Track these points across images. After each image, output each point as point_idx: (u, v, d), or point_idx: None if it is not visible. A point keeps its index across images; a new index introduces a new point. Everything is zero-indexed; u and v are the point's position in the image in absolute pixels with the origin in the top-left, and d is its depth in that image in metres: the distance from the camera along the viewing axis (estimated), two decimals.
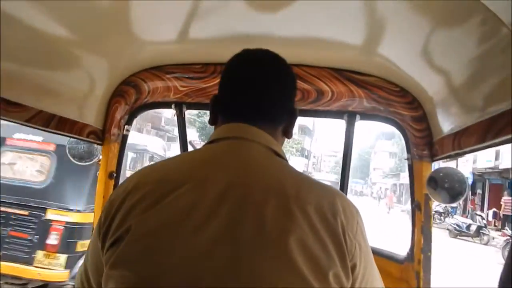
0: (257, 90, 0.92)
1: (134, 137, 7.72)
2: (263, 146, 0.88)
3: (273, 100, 0.94)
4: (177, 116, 1.93)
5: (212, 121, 0.98)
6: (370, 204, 38.75)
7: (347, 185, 1.95)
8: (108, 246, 0.80)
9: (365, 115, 1.81)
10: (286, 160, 0.92)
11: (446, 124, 1.47)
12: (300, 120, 0.93)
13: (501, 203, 17.90)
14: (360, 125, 1.88)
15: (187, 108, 1.89)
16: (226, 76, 0.98)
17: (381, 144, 69.75)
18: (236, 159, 0.84)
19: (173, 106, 1.87)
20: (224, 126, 0.92)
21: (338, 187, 1.88)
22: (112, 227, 0.80)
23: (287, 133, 0.98)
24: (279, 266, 0.72)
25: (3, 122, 1.33)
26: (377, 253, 1.93)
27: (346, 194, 1.93)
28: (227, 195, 0.77)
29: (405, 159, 1.80)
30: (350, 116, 1.82)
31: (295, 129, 1.06)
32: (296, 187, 0.81)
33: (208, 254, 0.73)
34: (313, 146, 60.36)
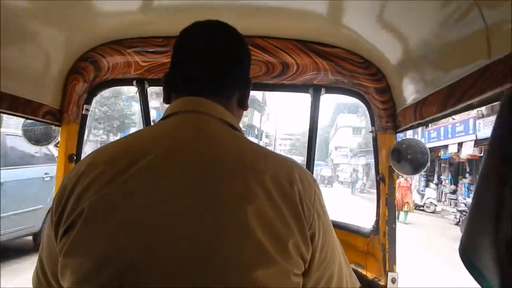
0: (208, 62, 0.90)
1: None
2: (217, 119, 0.86)
3: (225, 72, 0.92)
4: (139, 94, 1.86)
5: (166, 99, 0.95)
6: (346, 196, 27.43)
7: (313, 165, 1.97)
8: (62, 234, 0.77)
9: (330, 88, 1.81)
10: (242, 133, 0.91)
11: (408, 95, 1.50)
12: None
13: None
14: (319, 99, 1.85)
15: (150, 85, 1.82)
16: (175, 50, 0.95)
17: (343, 119, 59.72)
18: (190, 133, 0.83)
19: (134, 83, 1.80)
20: (178, 101, 0.89)
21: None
22: (65, 213, 0.77)
23: (243, 105, 0.96)
24: (238, 237, 0.71)
25: None
26: (343, 227, 1.97)
27: (312, 173, 1.94)
28: (180, 169, 0.76)
29: (369, 132, 1.83)
30: (316, 90, 1.82)
31: None
32: (252, 158, 0.80)
33: (164, 228, 0.71)
34: (265, 124, 54.28)
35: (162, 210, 0.73)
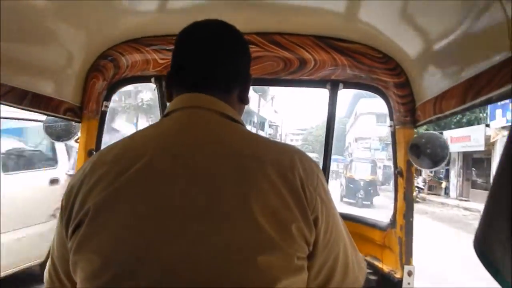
0: (206, 58, 0.92)
1: None
2: (217, 113, 0.87)
3: (224, 67, 0.93)
4: (157, 90, 1.88)
5: (169, 98, 0.97)
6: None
7: (330, 161, 1.96)
8: (71, 233, 0.79)
9: (348, 83, 1.81)
10: (243, 125, 0.92)
11: (428, 89, 1.49)
12: None
13: None
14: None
15: None
16: (175, 50, 0.97)
17: (364, 105, 46.09)
18: (191, 128, 0.84)
19: (152, 80, 1.82)
20: (178, 98, 0.91)
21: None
22: (73, 212, 0.80)
23: (243, 99, 0.98)
24: (241, 225, 0.73)
25: None
26: (360, 221, 1.98)
27: (329, 170, 1.95)
28: (183, 164, 0.78)
29: (388, 126, 1.82)
30: (333, 85, 1.82)
31: None
32: (252, 148, 0.82)
33: (167, 221, 0.73)
34: (268, 110, 44.29)
35: (164, 204, 0.74)
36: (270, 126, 50.17)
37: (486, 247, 0.78)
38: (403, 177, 1.75)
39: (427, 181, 24.15)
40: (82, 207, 0.78)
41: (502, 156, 0.78)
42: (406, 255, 1.70)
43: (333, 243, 0.84)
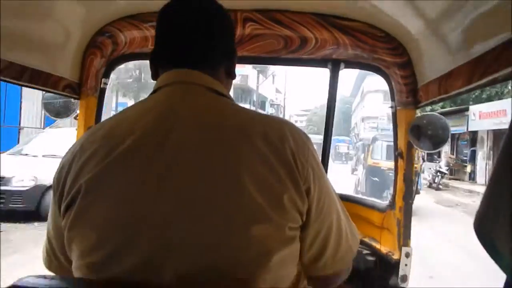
0: (191, 35, 0.92)
1: None
2: (204, 87, 0.88)
3: (208, 42, 0.93)
4: None
5: (154, 75, 0.97)
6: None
7: (330, 142, 1.96)
8: (64, 211, 0.81)
9: (349, 63, 1.78)
10: (231, 99, 0.92)
11: (431, 69, 1.46)
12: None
13: None
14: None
15: None
16: (158, 26, 0.97)
17: (371, 83, 42.08)
18: (178, 103, 0.85)
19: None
20: (164, 74, 0.91)
21: (320, 148, 1.86)
22: (65, 190, 0.81)
23: (230, 74, 0.98)
24: (233, 197, 0.74)
25: None
26: (359, 202, 1.98)
27: (329, 152, 1.94)
28: (170, 138, 0.78)
29: (389, 107, 1.80)
30: (335, 64, 1.79)
31: None
32: (240, 120, 0.83)
33: (159, 196, 0.74)
34: (269, 87, 42.14)
35: (155, 178, 0.76)
36: (271, 105, 48.26)
37: (487, 227, 0.78)
38: (403, 158, 1.75)
39: (451, 165, 20.25)
40: (74, 185, 0.79)
41: (505, 137, 0.77)
42: (404, 237, 1.71)
43: (326, 212, 0.85)
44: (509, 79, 0.99)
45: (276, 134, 0.81)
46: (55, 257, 0.92)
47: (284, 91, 49.99)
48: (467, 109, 20.24)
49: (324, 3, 1.54)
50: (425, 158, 16.22)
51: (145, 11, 1.61)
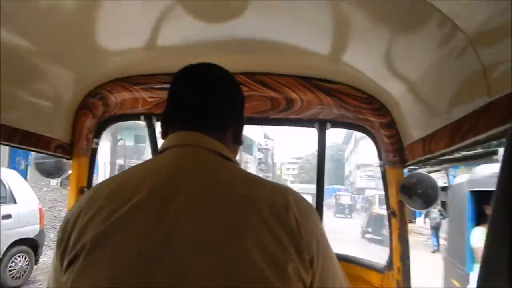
0: (200, 98, 0.95)
1: None
2: (210, 151, 0.89)
3: (216, 108, 0.96)
4: (147, 129, 1.89)
5: (163, 135, 0.99)
6: None
7: (323, 194, 1.95)
8: (66, 266, 0.79)
9: (336, 123, 1.81)
10: (237, 164, 0.93)
11: (415, 129, 1.49)
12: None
13: None
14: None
15: (157, 120, 1.85)
16: (170, 91, 1.00)
17: None
18: (185, 166, 0.85)
19: (142, 118, 1.84)
20: (172, 136, 0.93)
21: (314, 199, 1.86)
22: (69, 246, 0.80)
23: (237, 139, 1.00)
24: (237, 267, 0.73)
25: None
26: (357, 262, 1.94)
27: (322, 207, 1.93)
28: (175, 201, 0.78)
29: (377, 165, 1.81)
30: (321, 124, 1.82)
31: None
32: (246, 187, 0.83)
33: (163, 262, 0.73)
34: (258, 133, 41.85)
35: (159, 242, 0.74)
36: (259, 149, 46.79)
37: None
38: (396, 217, 1.73)
39: None
40: (79, 241, 0.78)
41: (493, 205, 0.77)
42: None
43: (329, 284, 0.83)
44: (491, 140, 1.00)
45: (280, 202, 0.80)
46: None
47: (273, 137, 49.23)
48: (495, 152, 19.83)
49: (307, 67, 1.59)
50: (444, 214, 14.61)
51: (135, 73, 1.66)
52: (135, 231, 0.76)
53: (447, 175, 17.29)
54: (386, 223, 1.82)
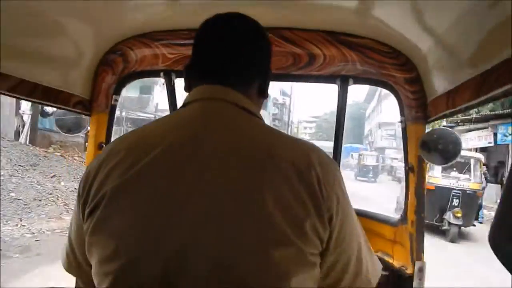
0: (226, 52, 0.92)
1: None
2: (234, 105, 0.88)
3: (243, 60, 0.93)
4: (166, 85, 1.89)
5: (187, 88, 0.97)
6: None
7: (340, 153, 1.95)
8: (87, 215, 0.82)
9: (358, 79, 1.78)
10: (261, 119, 0.92)
11: (440, 84, 1.46)
12: None
13: None
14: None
15: (177, 77, 1.84)
16: (196, 41, 0.98)
17: None
18: (208, 120, 0.85)
19: (161, 74, 1.83)
20: (197, 89, 0.92)
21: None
22: (90, 196, 0.82)
23: (263, 92, 0.98)
24: (256, 221, 0.74)
25: None
26: (371, 217, 1.96)
27: (339, 165, 1.92)
28: (197, 154, 0.78)
29: (398, 121, 1.79)
30: (343, 80, 1.79)
31: None
32: (268, 143, 0.82)
33: (181, 212, 0.74)
34: (274, 87, 38.69)
35: (177, 193, 0.76)
36: (274, 104, 44.95)
37: (500, 241, 0.79)
38: (414, 172, 1.73)
39: None
40: (99, 191, 0.80)
41: None
42: (417, 251, 1.69)
43: (346, 243, 0.84)
44: None
45: (303, 160, 0.80)
46: (75, 260, 0.94)
47: (291, 94, 47.61)
48: None
49: (331, 20, 1.55)
50: (488, 177, 13.16)
51: (155, 29, 1.64)
52: (155, 182, 0.78)
53: (495, 134, 15.72)
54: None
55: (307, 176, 0.78)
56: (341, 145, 1.92)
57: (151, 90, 25.14)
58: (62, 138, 14.31)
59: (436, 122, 1.64)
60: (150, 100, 25.22)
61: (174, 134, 0.83)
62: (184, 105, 0.91)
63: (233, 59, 0.92)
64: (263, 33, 0.99)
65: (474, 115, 16.26)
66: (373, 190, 19.77)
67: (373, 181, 28.04)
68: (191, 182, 0.76)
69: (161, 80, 1.94)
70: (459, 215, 9.93)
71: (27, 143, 13.27)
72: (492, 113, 15.87)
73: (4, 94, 1.27)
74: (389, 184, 23.67)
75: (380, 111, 47.85)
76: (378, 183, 26.79)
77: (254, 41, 0.96)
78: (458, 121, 17.45)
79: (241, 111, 0.88)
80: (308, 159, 0.81)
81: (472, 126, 17.03)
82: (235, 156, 0.79)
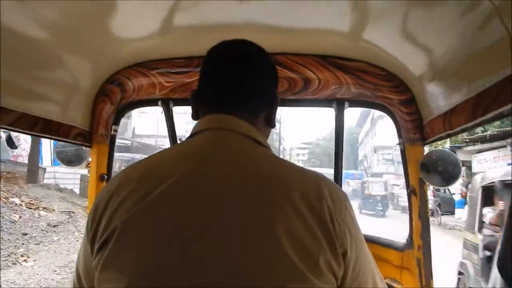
0: (234, 80, 0.92)
1: None
2: (243, 135, 0.87)
3: (251, 89, 0.93)
4: (164, 113, 1.89)
5: (194, 116, 0.97)
6: None
7: (341, 178, 1.94)
8: (97, 250, 0.80)
9: (354, 102, 1.79)
10: (269, 149, 0.91)
11: (435, 105, 1.46)
12: None
13: None
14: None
15: (174, 105, 1.85)
16: (203, 69, 0.98)
17: None
18: (216, 150, 0.84)
19: (159, 103, 1.84)
20: (204, 118, 0.91)
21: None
22: (99, 230, 0.80)
23: (270, 122, 0.97)
24: (269, 256, 0.72)
25: None
26: (376, 242, 1.93)
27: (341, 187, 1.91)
28: (208, 186, 0.77)
29: (396, 144, 1.79)
30: (339, 104, 1.80)
31: None
32: (278, 174, 0.81)
33: (196, 245, 0.73)
34: None
35: (189, 227, 0.74)
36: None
37: (508, 266, 0.79)
38: (416, 195, 1.71)
39: None
40: (109, 225, 0.78)
41: None
42: (426, 277, 1.66)
43: (361, 277, 0.82)
44: None
45: (314, 191, 0.79)
46: None
47: (280, 118, 48.33)
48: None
49: (324, 45, 1.57)
50: None
51: (151, 58, 1.66)
52: (167, 216, 0.76)
53: None
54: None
55: (319, 209, 0.76)
56: (342, 170, 1.92)
57: (129, 115, 24.99)
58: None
59: (439, 143, 1.64)
60: (128, 125, 25.02)
61: (184, 166, 0.81)
62: (192, 134, 0.90)
63: (241, 88, 0.92)
64: (271, 62, 0.99)
65: (489, 132, 14.76)
66: (385, 228, 14.54)
67: (381, 215, 22.45)
68: (202, 216, 0.74)
69: None
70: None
71: None
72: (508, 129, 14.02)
73: (6, 129, 1.28)
74: (399, 218, 18.30)
75: (374, 134, 46.90)
76: (388, 218, 21.49)
77: (262, 70, 0.96)
78: (467, 140, 16.33)
79: (250, 141, 0.87)
80: (318, 190, 0.79)
81: (486, 145, 15.35)
82: (246, 190, 0.78)
